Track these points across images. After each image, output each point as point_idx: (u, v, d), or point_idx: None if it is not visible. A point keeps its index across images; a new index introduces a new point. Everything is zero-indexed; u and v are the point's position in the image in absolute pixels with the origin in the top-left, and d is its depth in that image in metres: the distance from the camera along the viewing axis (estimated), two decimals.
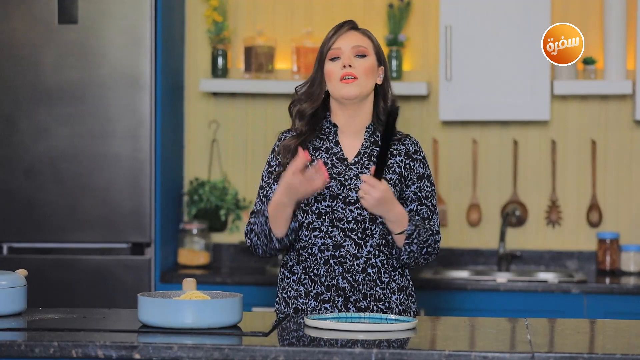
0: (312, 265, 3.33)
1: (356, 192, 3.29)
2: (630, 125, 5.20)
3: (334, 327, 2.89)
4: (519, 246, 5.27)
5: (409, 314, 3.37)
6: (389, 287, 3.34)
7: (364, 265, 3.31)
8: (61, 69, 4.83)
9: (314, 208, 3.32)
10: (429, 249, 3.35)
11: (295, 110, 3.42)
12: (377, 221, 3.32)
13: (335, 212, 3.31)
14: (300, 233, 3.36)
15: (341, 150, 3.39)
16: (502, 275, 5.04)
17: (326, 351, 2.65)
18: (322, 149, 3.40)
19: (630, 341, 2.91)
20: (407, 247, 3.30)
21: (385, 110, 3.42)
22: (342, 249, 3.31)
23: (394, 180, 3.35)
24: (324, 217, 3.32)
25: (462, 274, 5.07)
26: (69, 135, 4.83)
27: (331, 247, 3.31)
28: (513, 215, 5.24)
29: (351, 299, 3.30)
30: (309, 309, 3.31)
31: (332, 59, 3.37)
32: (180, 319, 2.84)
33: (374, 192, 3.18)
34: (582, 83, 5.06)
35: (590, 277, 4.93)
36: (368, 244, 3.32)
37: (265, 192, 3.39)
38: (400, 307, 3.35)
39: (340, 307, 3.30)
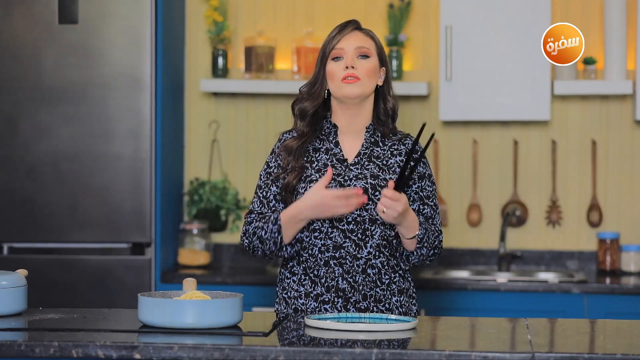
0: (312, 266, 3.33)
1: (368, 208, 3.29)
2: (630, 125, 5.20)
3: (334, 327, 2.89)
4: (519, 246, 5.27)
5: (409, 316, 3.36)
6: (389, 289, 3.34)
7: (364, 266, 3.31)
8: (62, 69, 4.83)
9: None
10: (435, 250, 3.37)
11: (297, 109, 3.42)
12: (377, 222, 3.31)
13: None
14: (300, 233, 3.36)
15: (341, 151, 3.39)
16: (502, 275, 5.04)
17: (326, 351, 2.65)
18: (322, 149, 3.40)
19: (630, 341, 2.91)
20: (418, 250, 3.30)
21: (385, 111, 3.42)
22: (342, 250, 3.31)
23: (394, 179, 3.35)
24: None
25: (463, 274, 5.07)
26: (69, 136, 4.83)
27: (331, 248, 3.31)
28: (513, 215, 5.24)
29: (351, 300, 3.30)
30: (308, 310, 3.31)
31: (335, 59, 3.37)
32: (180, 319, 2.84)
33: (397, 206, 3.16)
34: (583, 83, 5.05)
35: (590, 277, 4.93)
36: (368, 245, 3.32)
37: (264, 193, 3.38)
38: (400, 310, 3.35)
39: (340, 308, 3.29)
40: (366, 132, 3.41)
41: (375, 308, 3.31)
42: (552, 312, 4.61)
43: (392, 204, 3.15)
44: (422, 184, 3.40)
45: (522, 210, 5.25)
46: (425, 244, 3.30)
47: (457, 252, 5.27)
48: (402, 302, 3.36)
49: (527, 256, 5.24)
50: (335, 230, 3.31)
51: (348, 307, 3.30)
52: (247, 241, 3.37)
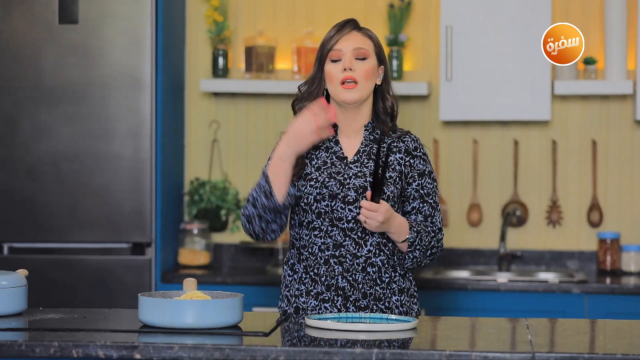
0: (313, 264, 3.33)
1: (358, 215, 3.28)
2: (630, 125, 5.20)
3: (334, 327, 2.89)
4: (519, 246, 5.26)
5: (410, 316, 3.36)
6: (390, 288, 3.34)
7: (363, 264, 3.31)
8: (62, 69, 4.83)
9: (313, 207, 3.32)
10: (432, 250, 3.37)
11: (297, 108, 3.43)
12: None
13: (335, 211, 3.31)
14: (300, 232, 3.36)
15: (341, 149, 3.40)
16: (502, 275, 5.04)
17: (327, 351, 2.65)
18: (322, 147, 3.41)
19: (631, 341, 2.91)
20: (410, 254, 3.32)
21: (384, 109, 3.43)
22: (342, 249, 3.31)
23: (394, 178, 3.35)
24: (323, 216, 3.32)
25: (463, 274, 5.07)
26: (69, 135, 4.83)
27: (331, 246, 3.32)
28: (514, 215, 5.24)
29: (351, 299, 3.30)
30: (309, 308, 3.32)
31: (333, 61, 3.37)
32: (181, 319, 2.84)
33: (377, 216, 3.19)
34: (583, 83, 5.05)
35: (590, 277, 4.93)
36: (368, 243, 3.32)
37: None
38: (401, 309, 3.35)
39: (339, 307, 3.30)
40: (365, 130, 3.41)
41: (375, 307, 3.31)
42: (552, 312, 4.61)
43: (370, 214, 3.19)
44: (422, 181, 3.40)
45: (523, 210, 5.25)
46: (418, 247, 3.31)
47: (457, 252, 5.27)
48: (403, 302, 3.36)
49: (527, 256, 5.24)
50: (335, 228, 3.32)
51: (348, 305, 3.30)
52: (244, 218, 3.32)
